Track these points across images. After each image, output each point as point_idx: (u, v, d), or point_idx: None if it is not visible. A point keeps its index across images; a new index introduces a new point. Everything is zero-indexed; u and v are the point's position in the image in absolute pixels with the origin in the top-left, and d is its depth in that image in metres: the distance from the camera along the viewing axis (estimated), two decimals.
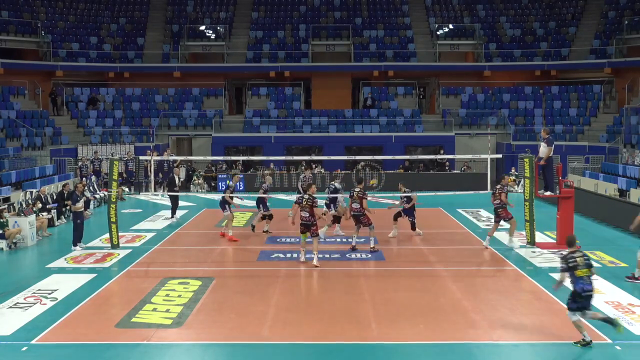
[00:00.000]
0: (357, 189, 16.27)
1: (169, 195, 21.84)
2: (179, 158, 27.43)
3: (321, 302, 12.11)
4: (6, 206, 19.23)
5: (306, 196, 15.06)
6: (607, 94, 35.59)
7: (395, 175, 29.73)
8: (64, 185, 22.65)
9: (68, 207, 20.28)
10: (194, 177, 29.75)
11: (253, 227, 18.84)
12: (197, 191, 28.57)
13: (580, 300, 9.63)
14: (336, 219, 18.37)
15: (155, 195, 25.58)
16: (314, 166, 28.08)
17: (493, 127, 33.80)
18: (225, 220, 18.23)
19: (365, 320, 11.00)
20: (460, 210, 22.80)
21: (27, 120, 31.85)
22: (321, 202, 17.20)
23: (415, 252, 15.82)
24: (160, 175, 28.04)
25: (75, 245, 16.78)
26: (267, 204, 18.93)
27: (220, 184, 28.58)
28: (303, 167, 20.90)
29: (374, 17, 39.54)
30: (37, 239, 17.85)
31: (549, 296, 12.35)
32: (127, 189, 27.84)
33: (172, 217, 21.66)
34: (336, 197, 18.14)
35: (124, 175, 28.20)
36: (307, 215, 14.90)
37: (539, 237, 17.54)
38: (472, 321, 10.98)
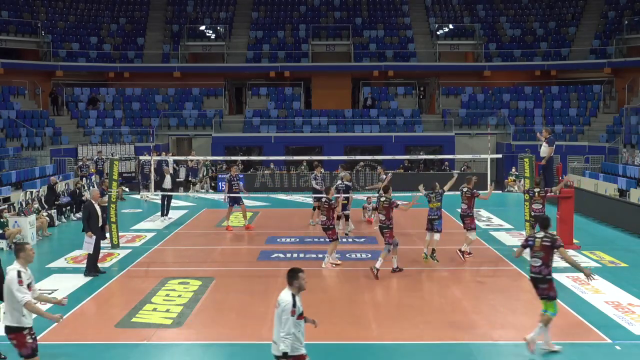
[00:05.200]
0: None
1: (166, 194, 21.72)
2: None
3: (321, 302, 12.09)
4: (6, 206, 19.22)
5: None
6: (607, 94, 35.57)
7: (395, 175, 29.68)
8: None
9: (68, 207, 20.29)
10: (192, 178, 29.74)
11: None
12: (197, 191, 28.55)
13: None
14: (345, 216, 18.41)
15: (155, 195, 25.56)
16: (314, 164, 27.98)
17: (493, 127, 33.77)
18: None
19: (365, 320, 11.00)
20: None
21: (27, 120, 31.85)
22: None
23: (415, 252, 15.80)
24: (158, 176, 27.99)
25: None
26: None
27: (220, 184, 28.61)
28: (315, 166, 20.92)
29: (374, 17, 39.52)
30: (37, 239, 17.85)
31: None
32: (126, 189, 27.86)
33: (164, 216, 21.40)
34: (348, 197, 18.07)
35: (145, 172, 28.26)
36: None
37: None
38: (472, 321, 10.97)
